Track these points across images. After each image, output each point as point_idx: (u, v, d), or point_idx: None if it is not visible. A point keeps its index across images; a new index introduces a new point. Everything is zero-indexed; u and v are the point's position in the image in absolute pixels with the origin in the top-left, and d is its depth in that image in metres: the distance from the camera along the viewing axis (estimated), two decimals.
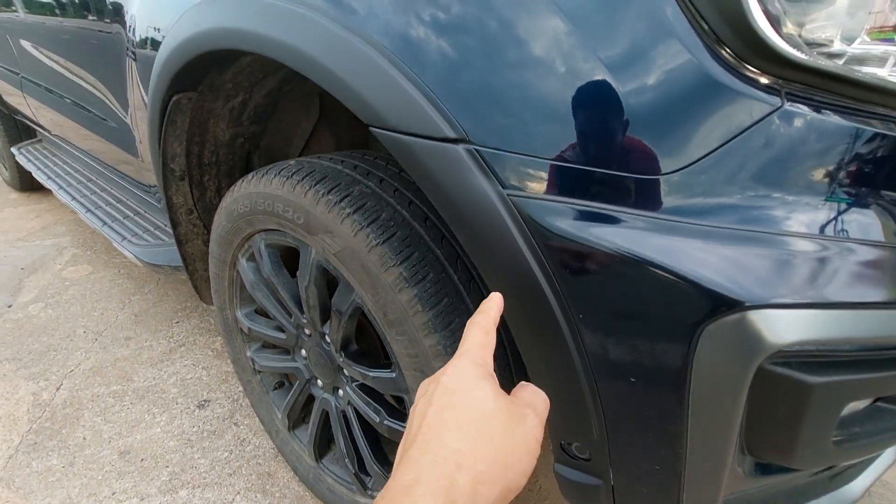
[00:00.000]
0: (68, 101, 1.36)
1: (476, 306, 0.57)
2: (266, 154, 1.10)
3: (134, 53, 0.89)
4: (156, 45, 0.77)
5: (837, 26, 0.38)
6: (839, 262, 0.39)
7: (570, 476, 0.54)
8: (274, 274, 0.83)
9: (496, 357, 0.37)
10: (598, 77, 0.38)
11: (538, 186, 0.41)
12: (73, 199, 1.61)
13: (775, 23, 0.36)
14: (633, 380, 0.42)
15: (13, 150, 2.16)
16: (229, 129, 0.97)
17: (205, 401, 1.25)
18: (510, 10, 0.41)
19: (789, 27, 0.38)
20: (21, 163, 2.05)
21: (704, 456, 0.46)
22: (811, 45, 0.38)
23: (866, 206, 0.41)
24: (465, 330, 0.37)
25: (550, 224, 0.40)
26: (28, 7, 1.34)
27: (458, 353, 0.35)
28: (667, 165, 0.37)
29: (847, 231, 0.40)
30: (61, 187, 1.71)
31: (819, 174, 0.39)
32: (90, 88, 1.18)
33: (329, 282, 0.76)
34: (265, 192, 0.73)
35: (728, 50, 0.37)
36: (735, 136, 0.37)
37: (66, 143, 1.90)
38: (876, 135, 0.39)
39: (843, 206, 0.40)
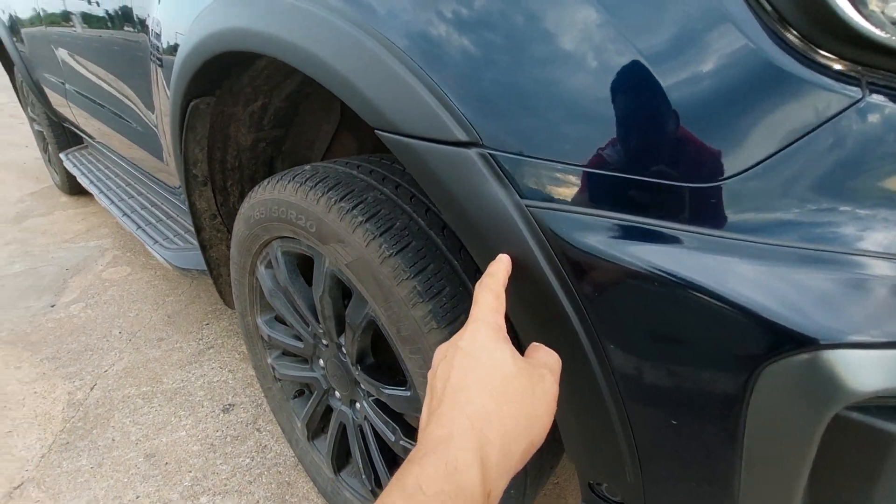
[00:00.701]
0: (105, 108, 1.40)
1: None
2: (289, 158, 1.09)
3: (159, 60, 0.89)
4: (175, 50, 0.76)
5: None
6: None
7: None
8: (290, 282, 0.80)
9: None
10: (636, 69, 0.33)
11: (563, 196, 0.35)
12: (112, 203, 1.66)
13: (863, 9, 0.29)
14: (673, 422, 0.36)
15: (61, 155, 2.26)
16: (250, 133, 0.96)
17: (229, 405, 1.25)
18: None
19: (872, 2, 0.31)
20: (67, 168, 2.14)
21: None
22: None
23: None
24: (475, 293, 0.37)
25: (577, 239, 0.35)
26: (65, 18, 1.38)
27: (471, 317, 0.36)
28: (719, 172, 0.31)
29: None
30: (102, 192, 1.77)
31: None
32: (121, 96, 1.20)
33: (344, 292, 0.73)
34: (279, 198, 0.70)
35: (794, 32, 0.31)
36: (803, 136, 0.31)
37: (106, 148, 1.97)
38: None
39: None
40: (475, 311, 0.36)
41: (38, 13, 1.63)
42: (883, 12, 0.32)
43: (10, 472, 1.05)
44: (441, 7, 0.38)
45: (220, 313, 1.64)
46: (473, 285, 0.57)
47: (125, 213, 1.56)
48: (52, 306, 1.66)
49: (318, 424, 0.97)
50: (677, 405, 0.36)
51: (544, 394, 0.33)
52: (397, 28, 0.40)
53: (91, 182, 1.88)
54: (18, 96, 2.82)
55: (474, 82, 0.37)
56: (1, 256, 2.00)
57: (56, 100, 2.01)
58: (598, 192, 0.34)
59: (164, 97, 0.93)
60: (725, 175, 0.32)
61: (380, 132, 0.42)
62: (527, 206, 0.36)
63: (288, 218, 0.70)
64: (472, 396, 0.31)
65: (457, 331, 0.55)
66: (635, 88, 0.33)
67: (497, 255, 0.38)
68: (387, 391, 0.69)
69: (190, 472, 1.06)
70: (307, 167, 0.72)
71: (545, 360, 0.35)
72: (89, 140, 2.21)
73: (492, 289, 0.36)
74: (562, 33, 0.35)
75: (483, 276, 0.38)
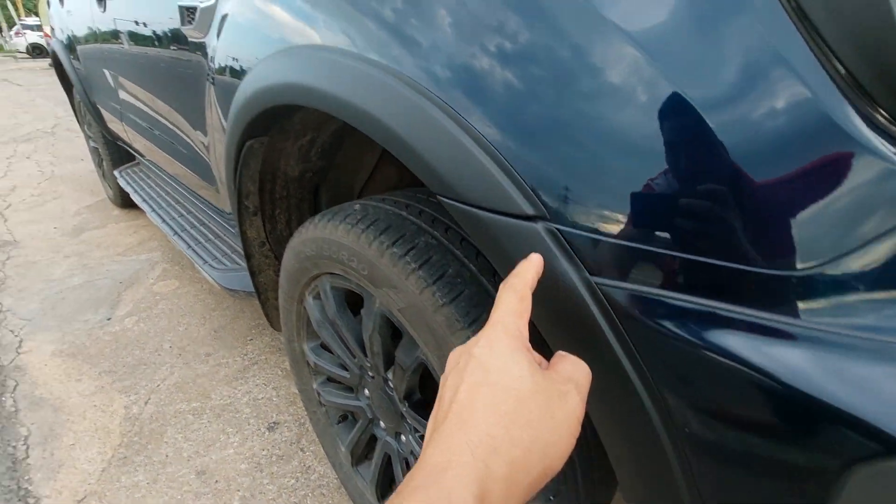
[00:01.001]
0: (158, 133, 1.47)
1: None
2: (332, 186, 1.11)
3: (215, 95, 0.93)
4: (233, 89, 0.79)
5: None
6: None
7: None
8: (339, 316, 0.82)
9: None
10: (719, 154, 0.32)
11: (636, 276, 0.34)
12: (163, 221, 1.74)
13: None
14: None
15: (115, 172, 2.38)
16: (298, 165, 0.98)
17: (274, 423, 1.29)
18: (608, 66, 0.35)
19: None
20: (121, 185, 2.25)
21: None
22: None
23: None
24: (497, 294, 0.34)
25: (650, 321, 0.34)
26: (118, 42, 1.45)
27: (490, 320, 0.32)
28: (812, 258, 0.30)
29: None
30: (153, 209, 1.85)
31: None
32: (174, 123, 1.25)
33: (394, 330, 0.73)
34: (331, 238, 0.72)
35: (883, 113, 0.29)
36: None
37: (156, 167, 2.07)
38: None
39: None
40: (495, 313, 0.32)
41: (95, 35, 1.73)
42: None
43: (74, 485, 1.11)
44: (510, 81, 0.38)
45: (262, 329, 1.69)
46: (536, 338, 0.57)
47: (176, 232, 1.63)
48: (109, 319, 1.75)
49: (363, 451, 0.99)
50: (750, 490, 0.34)
51: (566, 417, 0.29)
52: (464, 100, 0.40)
53: (143, 199, 1.97)
54: (76, 115, 2.99)
55: (542, 153, 0.37)
56: (62, 269, 2.13)
57: (111, 120, 2.12)
58: (673, 274, 0.33)
59: (219, 132, 0.96)
60: (819, 262, 0.30)
61: (442, 198, 0.43)
62: (597, 283, 0.35)
63: (339, 259, 0.71)
64: (479, 420, 0.27)
65: None
66: (716, 174, 0.32)
67: (567, 335, 0.37)
68: None
69: (238, 490, 1.10)
70: (357, 206, 0.73)
71: (571, 374, 0.31)
72: (140, 158, 2.32)
73: (516, 290, 0.33)
74: (642, 121, 0.34)
75: (509, 275, 0.35)
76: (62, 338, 1.65)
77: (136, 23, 1.26)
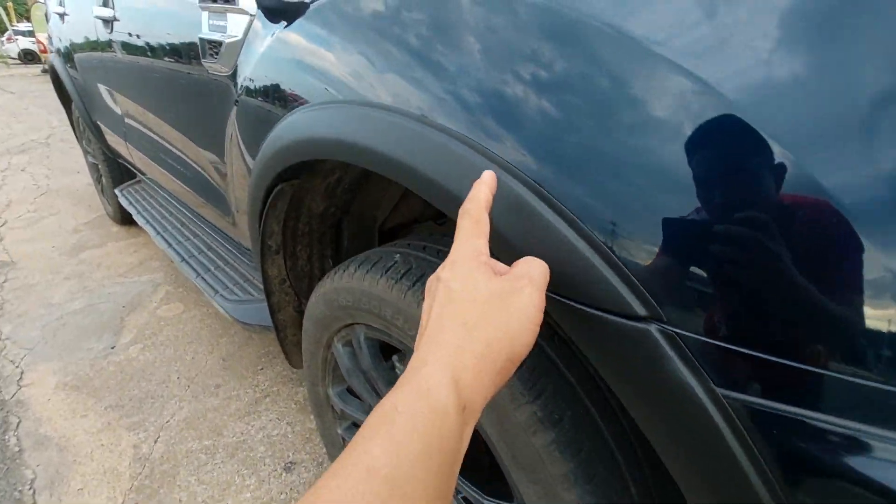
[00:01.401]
0: (166, 155, 1.42)
1: (623, 454, 0.47)
2: (355, 220, 1.07)
3: (239, 132, 0.88)
4: (263, 131, 0.75)
5: None
6: None
7: None
8: (373, 367, 0.77)
9: None
10: (856, 267, 0.28)
11: (773, 392, 0.31)
12: (169, 246, 1.68)
13: None
14: None
15: (116, 191, 2.32)
16: (323, 202, 0.94)
17: (291, 463, 1.24)
18: (719, 177, 0.31)
19: None
20: (123, 205, 2.19)
21: None
22: None
23: None
24: (457, 219, 0.38)
25: (784, 440, 0.30)
26: (125, 61, 1.41)
27: (453, 246, 0.38)
28: None
29: None
30: (158, 233, 1.79)
31: None
32: (188, 152, 1.21)
33: None
34: (371, 291, 0.68)
35: None
36: None
37: (160, 187, 2.02)
38: None
39: None
40: (456, 239, 0.38)
41: (100, 54, 1.68)
42: None
43: None
44: (611, 169, 0.34)
45: (272, 357, 1.64)
46: (597, 409, 0.53)
47: (183, 258, 1.58)
48: (112, 348, 1.69)
49: None
50: None
51: (523, 308, 0.33)
52: (557, 180, 0.36)
53: (147, 221, 1.92)
54: (74, 129, 2.92)
55: (657, 251, 0.33)
56: (62, 292, 2.06)
57: (113, 138, 2.07)
58: (819, 393, 0.30)
59: (241, 168, 0.92)
60: None
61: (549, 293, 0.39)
62: (724, 395, 0.32)
63: (381, 315, 0.67)
64: (447, 327, 0.33)
65: (581, 467, 0.51)
66: (864, 280, 0.28)
67: (688, 452, 0.33)
68: (486, 502, 0.64)
69: None
70: (397, 256, 0.69)
71: (524, 272, 0.35)
72: (142, 176, 2.27)
73: (471, 214, 0.37)
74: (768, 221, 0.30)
75: (465, 199, 0.38)
76: (65, 368, 1.59)
77: (149, 47, 1.21)
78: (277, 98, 0.70)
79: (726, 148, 0.31)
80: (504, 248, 0.40)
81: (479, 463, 0.74)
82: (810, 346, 0.29)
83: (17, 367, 1.60)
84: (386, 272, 0.66)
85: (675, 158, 0.32)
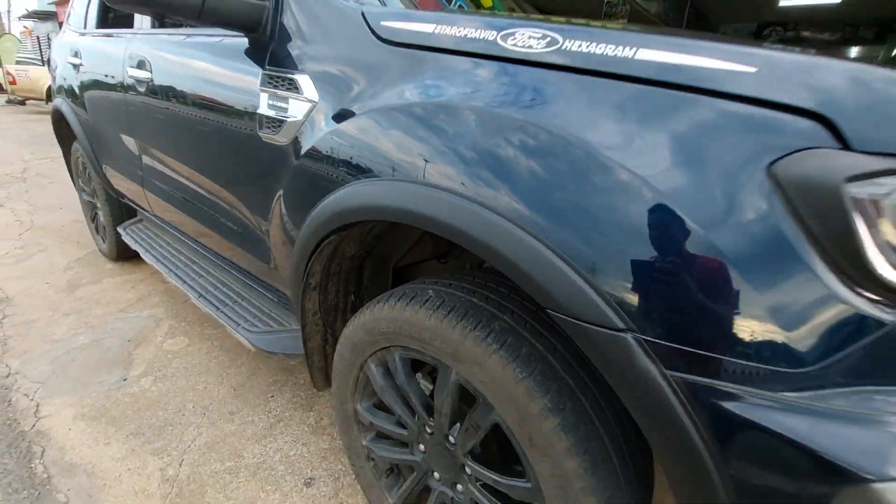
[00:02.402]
0: (198, 204, 1.58)
1: (606, 433, 0.67)
2: (375, 259, 1.26)
3: (294, 195, 1.07)
4: (317, 196, 0.95)
5: None
6: None
7: None
8: (407, 383, 0.96)
9: None
10: (740, 296, 0.51)
11: (692, 369, 0.52)
12: (184, 283, 1.81)
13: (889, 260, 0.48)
14: None
15: (119, 229, 2.43)
16: (355, 246, 1.13)
17: (310, 478, 1.37)
18: (668, 239, 0.54)
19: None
20: (128, 243, 2.30)
21: None
22: None
23: None
24: None
25: (703, 397, 0.52)
26: (159, 116, 1.58)
27: None
28: (806, 361, 0.49)
29: None
30: (171, 270, 1.92)
31: None
32: (225, 202, 1.38)
33: (463, 395, 0.88)
34: (411, 320, 0.87)
35: (859, 289, 0.49)
36: (863, 341, 0.48)
37: (168, 225, 2.15)
38: None
39: None
40: None
41: (124, 105, 1.84)
42: None
43: None
44: (604, 229, 0.56)
45: (281, 384, 1.77)
46: (589, 402, 0.73)
47: (200, 294, 1.71)
48: (125, 380, 1.78)
49: (414, 502, 1.10)
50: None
51: None
52: (562, 236, 0.58)
53: (157, 260, 2.04)
54: (70, 169, 3.01)
55: (631, 287, 0.55)
56: (64, 328, 2.12)
57: (123, 182, 2.20)
58: (719, 370, 0.52)
59: (288, 224, 1.10)
60: (809, 365, 0.49)
61: (551, 312, 0.60)
62: (669, 374, 0.53)
63: (420, 338, 0.86)
64: None
65: (590, 451, 0.70)
66: (738, 308, 0.51)
67: (646, 411, 0.55)
68: (506, 481, 0.83)
69: None
70: (430, 291, 0.89)
71: None
72: (144, 213, 2.39)
73: None
74: (696, 271, 0.53)
75: None
76: (80, 401, 1.66)
77: (188, 109, 1.40)
78: (337, 170, 0.90)
79: (662, 215, 0.54)
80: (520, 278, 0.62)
81: (494, 456, 0.92)
82: (715, 343, 0.52)
83: (31, 399, 1.66)
84: (424, 304, 0.86)
85: (639, 221, 0.55)
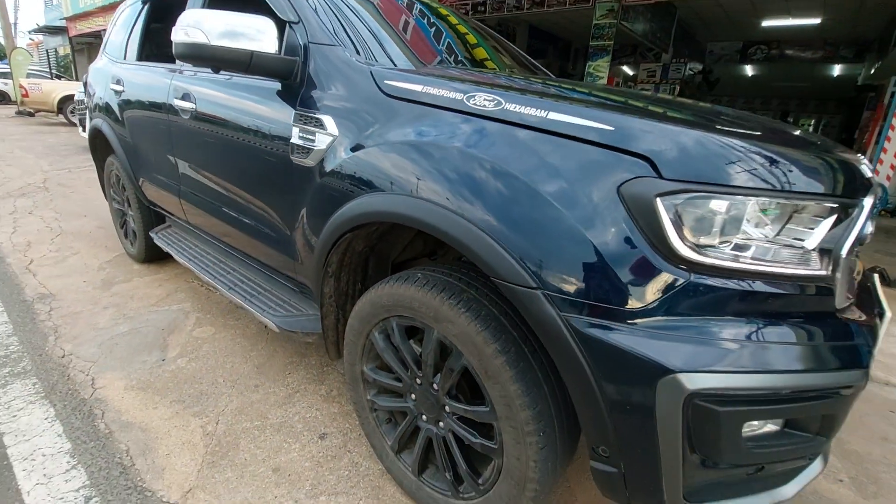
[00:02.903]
0: (236, 213, 1.91)
1: (542, 371, 1.00)
2: (377, 255, 1.60)
3: (318, 204, 1.41)
4: (338, 204, 1.28)
5: (717, 243, 0.83)
6: (727, 348, 0.82)
7: (599, 468, 0.95)
8: (402, 343, 1.28)
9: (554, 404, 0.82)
10: (602, 264, 0.84)
11: (579, 310, 0.86)
12: (215, 278, 2.14)
13: (683, 238, 0.81)
14: (628, 407, 0.84)
15: (151, 234, 2.76)
16: (363, 243, 1.47)
17: (324, 433, 1.68)
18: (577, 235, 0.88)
19: (686, 240, 0.83)
20: (160, 245, 2.63)
21: (668, 455, 0.87)
22: (701, 249, 0.83)
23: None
24: None
25: (583, 328, 0.85)
26: (204, 146, 1.92)
27: None
28: (639, 302, 0.82)
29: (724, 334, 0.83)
30: (202, 269, 2.25)
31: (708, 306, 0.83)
32: (260, 210, 1.71)
33: (442, 348, 1.21)
34: (405, 294, 1.20)
35: (662, 252, 0.83)
36: (671, 291, 0.82)
37: (198, 229, 2.48)
38: (728, 288, 0.83)
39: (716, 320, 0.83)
40: None
41: (166, 127, 2.18)
42: (695, 240, 0.84)
43: (179, 481, 1.46)
44: (530, 229, 0.90)
45: (296, 364, 2.09)
46: (533, 349, 1.06)
47: (230, 288, 2.04)
48: (163, 360, 2.10)
49: (405, 442, 1.42)
50: (628, 401, 0.84)
51: None
52: (508, 236, 0.92)
53: (188, 259, 2.37)
54: (101, 181, 3.35)
55: (543, 259, 0.88)
56: (106, 318, 2.44)
57: (158, 194, 2.53)
58: (589, 310, 0.85)
59: (316, 225, 1.43)
60: (641, 305, 0.82)
61: (494, 279, 0.93)
62: (562, 315, 0.86)
63: (411, 306, 1.19)
64: None
65: (524, 377, 1.03)
66: (597, 272, 0.84)
67: (550, 338, 0.88)
68: (473, 409, 1.15)
69: (307, 480, 1.48)
70: (419, 275, 1.22)
71: None
72: (173, 219, 2.72)
73: None
74: (581, 252, 0.87)
75: None
76: (128, 376, 1.98)
77: (228, 134, 1.74)
78: (352, 186, 1.24)
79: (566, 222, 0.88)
80: (475, 257, 0.95)
81: (464, 396, 1.25)
82: (588, 295, 0.85)
83: (86, 375, 1.98)
84: (414, 283, 1.19)
85: (545, 220, 0.89)
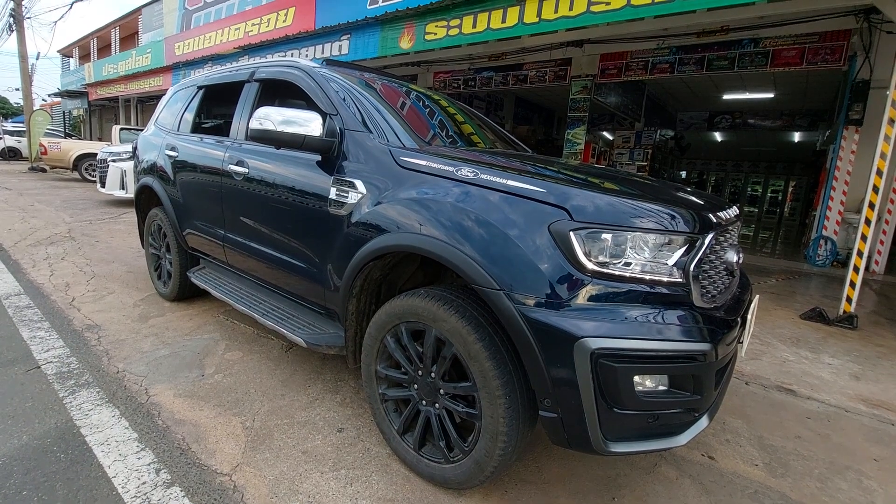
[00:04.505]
0: (275, 252, 2.41)
1: (506, 351, 1.49)
2: (388, 283, 2.09)
3: (348, 243, 1.92)
4: (363, 241, 1.79)
5: (609, 260, 1.34)
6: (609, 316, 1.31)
7: (545, 415, 1.40)
8: (409, 342, 1.75)
9: (516, 368, 1.31)
10: (539, 272, 1.35)
11: (527, 302, 1.35)
12: (249, 308, 2.59)
13: (587, 257, 1.33)
14: (559, 364, 1.31)
15: (188, 273, 3.23)
16: (379, 272, 1.96)
17: (341, 428, 2.09)
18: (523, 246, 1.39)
19: (592, 255, 1.34)
20: (197, 283, 3.09)
21: (587, 400, 1.32)
22: (600, 263, 1.34)
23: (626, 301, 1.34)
24: None
25: (531, 315, 1.34)
26: (250, 201, 2.46)
27: None
28: (562, 296, 1.32)
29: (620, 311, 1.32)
30: (237, 301, 2.71)
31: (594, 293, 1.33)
32: (300, 248, 2.22)
33: (439, 343, 1.67)
34: (413, 305, 1.68)
35: (573, 264, 1.33)
36: (582, 289, 1.32)
37: (232, 268, 2.95)
38: (619, 287, 1.33)
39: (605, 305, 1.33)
40: None
41: (217, 185, 2.72)
42: (595, 258, 1.35)
43: (229, 459, 1.85)
44: (495, 249, 1.41)
45: (314, 379, 2.51)
46: (496, 335, 1.53)
47: (264, 315, 2.50)
48: (202, 376, 2.51)
49: (408, 426, 1.83)
50: (557, 362, 1.31)
51: None
52: (477, 254, 1.42)
53: (225, 294, 2.83)
54: (141, 231, 3.85)
55: (502, 268, 1.38)
56: (148, 345, 2.86)
57: (201, 241, 3.03)
58: (533, 301, 1.33)
59: (344, 259, 1.93)
60: (565, 297, 1.32)
61: (473, 285, 1.42)
62: (516, 307, 1.35)
63: (417, 313, 1.67)
64: None
65: (495, 356, 1.50)
66: (531, 275, 1.35)
67: (509, 323, 1.36)
68: (460, 385, 1.60)
69: (330, 459, 1.88)
70: (422, 291, 1.71)
71: None
72: (207, 261, 3.20)
73: None
74: (521, 261, 1.37)
75: None
76: (175, 387, 2.38)
77: (273, 192, 2.28)
78: (373, 230, 1.76)
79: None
80: (461, 272, 1.45)
81: (454, 378, 1.69)
82: (531, 292, 1.35)
83: (140, 386, 2.38)
84: (420, 296, 1.68)
85: (504, 248, 1.40)
